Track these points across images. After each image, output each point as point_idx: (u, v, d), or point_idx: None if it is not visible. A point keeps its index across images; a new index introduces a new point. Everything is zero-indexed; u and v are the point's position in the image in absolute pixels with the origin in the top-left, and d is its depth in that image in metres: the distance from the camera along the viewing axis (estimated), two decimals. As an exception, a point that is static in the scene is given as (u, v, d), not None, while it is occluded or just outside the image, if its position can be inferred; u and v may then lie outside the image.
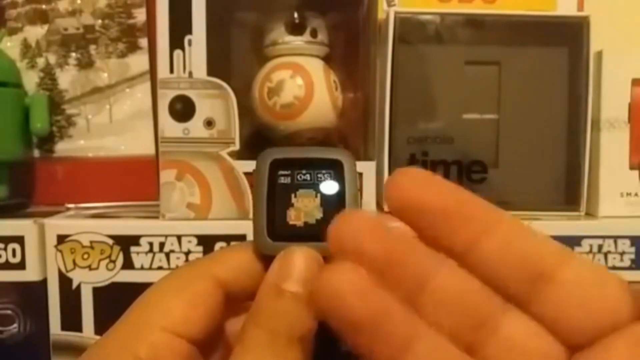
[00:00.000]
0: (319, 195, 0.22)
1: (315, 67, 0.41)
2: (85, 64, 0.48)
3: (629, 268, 0.40)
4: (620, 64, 0.42)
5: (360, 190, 0.23)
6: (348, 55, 0.44)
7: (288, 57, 0.41)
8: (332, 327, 0.18)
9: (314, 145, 0.24)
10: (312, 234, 0.22)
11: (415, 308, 0.18)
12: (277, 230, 0.23)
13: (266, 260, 0.22)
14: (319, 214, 0.22)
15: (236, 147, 0.40)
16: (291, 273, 0.21)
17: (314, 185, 0.23)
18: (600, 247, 0.40)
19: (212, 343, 0.23)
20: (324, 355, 0.22)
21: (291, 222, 0.22)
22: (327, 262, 0.21)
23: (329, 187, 0.23)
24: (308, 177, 0.23)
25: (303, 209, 0.22)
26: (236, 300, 0.23)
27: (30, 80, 0.48)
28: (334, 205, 0.22)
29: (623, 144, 0.43)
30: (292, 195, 0.23)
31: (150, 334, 0.21)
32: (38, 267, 0.38)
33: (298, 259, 0.22)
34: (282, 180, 0.23)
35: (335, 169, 0.23)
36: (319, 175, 0.23)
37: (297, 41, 0.42)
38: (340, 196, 0.23)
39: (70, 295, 0.38)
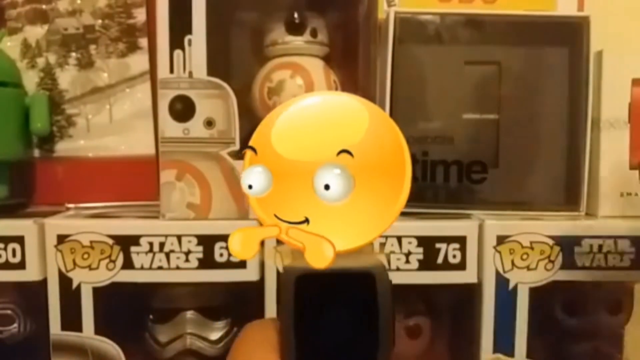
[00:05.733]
0: (348, 312, 0.21)
1: (315, 67, 0.41)
2: (85, 64, 0.48)
3: (629, 268, 0.40)
4: (620, 64, 0.42)
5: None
6: (348, 55, 0.44)
7: (288, 57, 0.41)
8: None
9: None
10: (343, 353, 0.21)
11: None
12: (307, 350, 0.21)
13: None
14: (349, 333, 0.21)
15: (236, 147, 0.40)
16: None
17: (343, 302, 0.21)
18: (600, 247, 0.40)
19: None
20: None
21: (321, 340, 0.21)
22: None
23: (360, 303, 0.21)
24: (337, 293, 0.21)
25: (333, 326, 0.21)
26: None
27: (30, 80, 0.47)
28: (365, 323, 0.21)
29: (623, 144, 0.43)
30: (321, 313, 0.21)
31: None
32: (38, 267, 0.38)
33: None
34: (309, 296, 0.21)
35: (367, 283, 0.21)
36: (349, 292, 0.21)
37: (297, 41, 0.42)
38: (372, 313, 0.21)
39: (70, 295, 0.38)
